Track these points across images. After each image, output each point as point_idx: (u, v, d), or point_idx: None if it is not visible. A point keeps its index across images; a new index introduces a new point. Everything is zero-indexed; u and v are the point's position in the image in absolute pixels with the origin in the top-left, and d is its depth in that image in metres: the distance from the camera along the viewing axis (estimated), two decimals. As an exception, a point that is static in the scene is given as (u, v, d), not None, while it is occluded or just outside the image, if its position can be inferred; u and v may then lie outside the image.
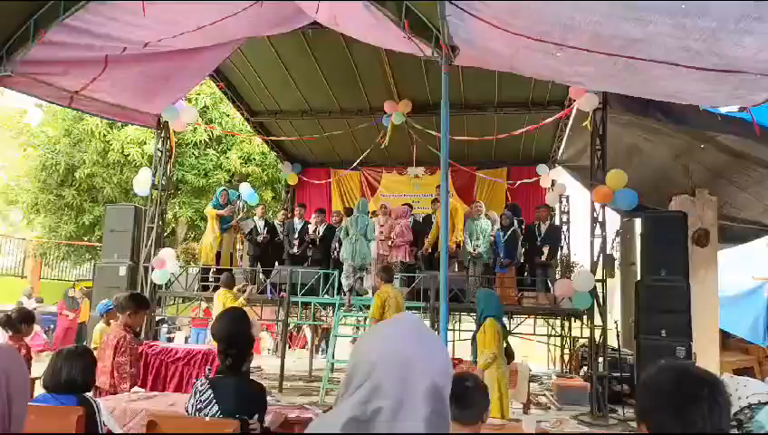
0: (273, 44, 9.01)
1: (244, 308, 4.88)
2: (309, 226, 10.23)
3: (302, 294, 8.84)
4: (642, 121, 8.22)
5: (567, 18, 3.67)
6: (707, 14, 3.12)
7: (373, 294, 7.32)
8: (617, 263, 10.45)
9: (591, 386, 7.63)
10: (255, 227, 10.22)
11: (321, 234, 10.10)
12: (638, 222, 9.24)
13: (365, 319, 8.86)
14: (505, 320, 9.12)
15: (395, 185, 12.80)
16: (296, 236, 10.06)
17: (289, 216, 11.10)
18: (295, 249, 9.97)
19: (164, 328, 12.61)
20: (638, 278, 7.95)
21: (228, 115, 13.96)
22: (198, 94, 13.69)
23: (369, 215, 9.09)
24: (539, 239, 9.43)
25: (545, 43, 4.08)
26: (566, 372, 10.36)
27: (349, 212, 10.17)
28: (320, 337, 13.36)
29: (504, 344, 5.43)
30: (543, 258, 9.25)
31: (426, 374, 1.01)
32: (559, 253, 10.58)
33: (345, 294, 8.53)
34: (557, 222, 11.55)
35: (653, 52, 3.73)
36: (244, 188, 10.63)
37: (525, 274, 9.76)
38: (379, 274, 6.91)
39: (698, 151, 8.38)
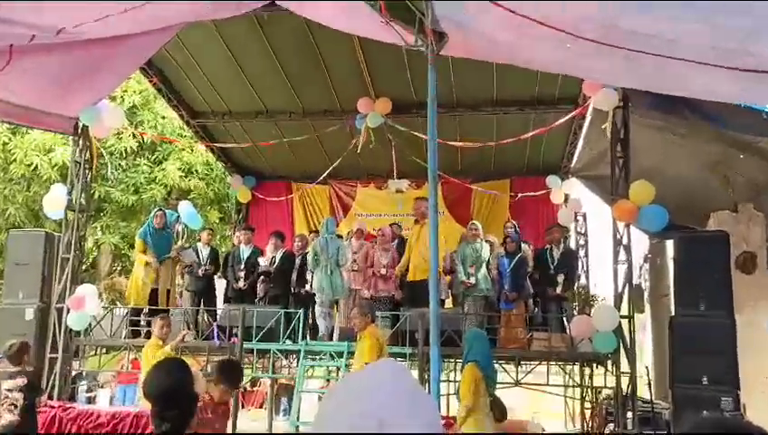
0: (219, 30, 9.03)
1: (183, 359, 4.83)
2: (260, 253, 10.28)
3: (258, 340, 8.78)
4: (671, 123, 8.40)
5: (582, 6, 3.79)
6: (747, 13, 3.27)
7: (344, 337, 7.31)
8: (646, 295, 10.61)
9: (619, 448, 7.69)
10: (199, 256, 10.23)
11: (277, 263, 10.08)
12: (669, 244, 9.39)
13: (337, 369, 8.83)
14: (510, 368, 9.18)
15: (372, 202, 12.88)
16: (242, 266, 10.07)
17: (235, 242, 11.17)
18: (241, 283, 9.96)
19: (83, 385, 12.35)
20: (672, 313, 8.04)
21: (164, 117, 13.93)
22: (125, 92, 13.63)
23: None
24: (552, 267, 9.52)
25: (556, 30, 4.18)
26: (588, 431, 10.37)
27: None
28: (281, 393, 13.21)
29: (490, 396, 5.46)
30: (558, 290, 9.33)
31: None
32: (576, 284, 10.69)
33: (322, 337, 8.51)
34: (572, 245, 11.70)
35: (680, 49, 3.87)
36: (185, 208, 10.60)
37: (536, 310, 9.82)
38: (364, 311, 6.94)
39: (740, 159, 8.58)
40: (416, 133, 9.87)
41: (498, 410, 5.52)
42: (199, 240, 10.61)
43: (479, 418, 5.33)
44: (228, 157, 12.73)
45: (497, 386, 8.60)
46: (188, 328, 9.07)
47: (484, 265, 9.38)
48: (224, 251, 12.14)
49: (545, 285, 9.54)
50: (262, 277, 10.20)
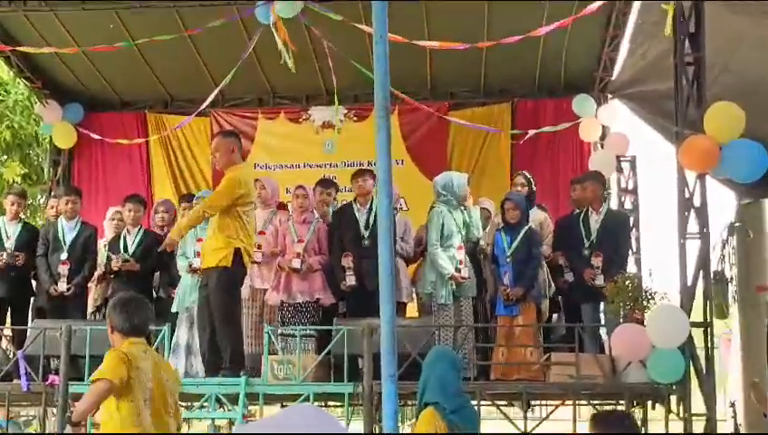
0: None
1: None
2: (94, 234, 10.33)
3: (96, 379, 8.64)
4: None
5: None
6: None
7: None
8: (732, 288, 10.70)
9: None
10: (1, 238, 10.35)
11: (133, 250, 10.10)
12: (769, 206, 9.50)
13: (229, 424, 8.76)
14: (513, 413, 9.17)
15: (284, 143, 13.00)
16: (63, 255, 10.00)
17: (49, 215, 11.26)
18: (63, 284, 9.93)
19: None
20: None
21: None
22: None
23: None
24: (586, 244, 9.54)
25: None
26: None
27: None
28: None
29: None
30: (596, 281, 9.35)
31: None
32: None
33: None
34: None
35: None
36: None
37: (555, 316, 9.83)
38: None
39: None
40: (357, 25, 9.74)
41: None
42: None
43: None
44: (37, 70, 12.44)
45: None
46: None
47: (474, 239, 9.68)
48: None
49: (576, 272, 9.56)
50: (102, 276, 10.24)
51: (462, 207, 9.67)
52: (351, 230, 9.72)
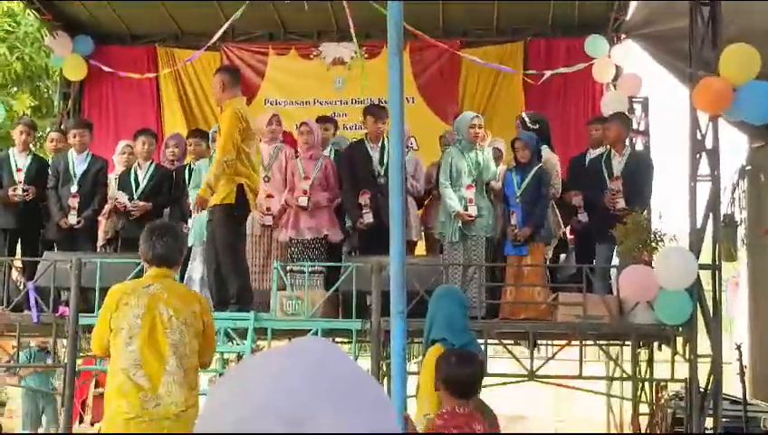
0: None
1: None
2: (104, 167, 10.34)
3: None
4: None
5: None
6: None
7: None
8: (741, 232, 10.71)
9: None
10: (11, 169, 10.33)
11: (147, 182, 10.19)
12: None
13: (237, 357, 8.81)
14: (520, 352, 9.23)
15: (294, 80, 12.95)
16: (75, 186, 9.99)
17: (60, 145, 11.14)
18: (73, 218, 9.95)
19: None
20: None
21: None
22: None
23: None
24: (608, 182, 9.42)
25: None
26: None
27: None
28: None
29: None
30: (618, 205, 9.25)
31: None
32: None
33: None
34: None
35: None
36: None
37: (564, 256, 9.85)
38: None
39: None
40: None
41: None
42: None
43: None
44: (47, 2, 12.33)
45: (491, 380, 8.73)
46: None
47: (484, 186, 9.52)
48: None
49: (600, 214, 9.47)
50: (111, 211, 10.27)
51: (477, 147, 9.60)
52: (365, 167, 9.66)
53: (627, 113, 11.03)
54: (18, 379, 11.85)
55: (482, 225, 9.46)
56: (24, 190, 10.11)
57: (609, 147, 9.76)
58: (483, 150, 9.65)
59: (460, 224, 9.40)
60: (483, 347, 7.92)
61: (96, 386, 12.75)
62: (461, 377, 4.74)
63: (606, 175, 9.55)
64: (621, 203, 9.22)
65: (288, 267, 9.33)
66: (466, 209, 9.37)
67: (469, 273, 9.36)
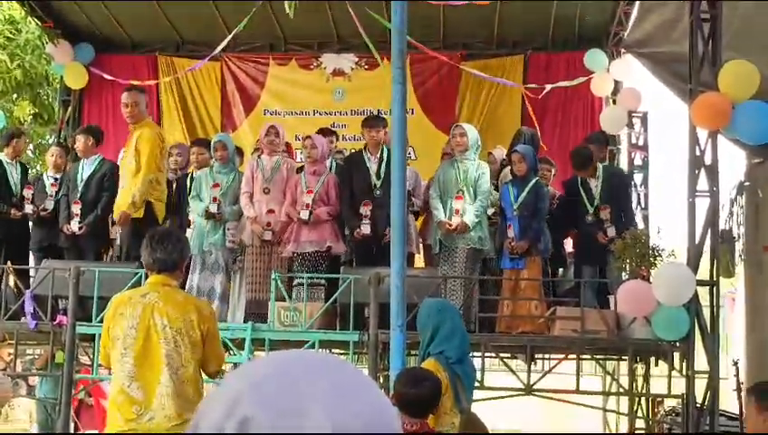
0: None
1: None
2: (113, 172, 10.07)
3: (101, 320, 8.72)
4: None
5: None
6: None
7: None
8: (739, 248, 10.69)
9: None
10: (11, 178, 10.40)
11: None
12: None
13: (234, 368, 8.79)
14: (517, 365, 9.23)
15: (294, 90, 12.93)
16: (78, 193, 10.04)
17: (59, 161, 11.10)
18: (75, 224, 9.90)
19: None
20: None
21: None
22: None
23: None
24: (590, 210, 9.54)
25: None
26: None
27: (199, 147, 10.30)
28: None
29: (462, 412, 5.54)
30: (609, 233, 9.34)
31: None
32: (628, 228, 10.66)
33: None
34: (623, 165, 11.79)
35: None
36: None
37: (561, 271, 9.86)
38: None
39: None
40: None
41: (472, 426, 5.55)
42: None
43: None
44: (49, 10, 12.36)
45: (488, 393, 8.75)
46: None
47: (480, 199, 9.44)
48: (38, 171, 12.19)
49: (589, 230, 9.58)
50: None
51: (463, 157, 9.54)
52: (363, 179, 9.64)
53: (615, 129, 11.11)
54: (28, 390, 11.90)
55: (468, 236, 9.35)
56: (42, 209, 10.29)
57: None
58: (468, 160, 9.52)
59: (439, 235, 9.42)
60: (480, 360, 7.96)
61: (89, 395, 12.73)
62: (410, 397, 4.80)
63: (585, 199, 9.66)
64: (612, 231, 9.32)
65: (295, 281, 9.32)
66: (450, 218, 9.33)
67: (450, 285, 9.26)
